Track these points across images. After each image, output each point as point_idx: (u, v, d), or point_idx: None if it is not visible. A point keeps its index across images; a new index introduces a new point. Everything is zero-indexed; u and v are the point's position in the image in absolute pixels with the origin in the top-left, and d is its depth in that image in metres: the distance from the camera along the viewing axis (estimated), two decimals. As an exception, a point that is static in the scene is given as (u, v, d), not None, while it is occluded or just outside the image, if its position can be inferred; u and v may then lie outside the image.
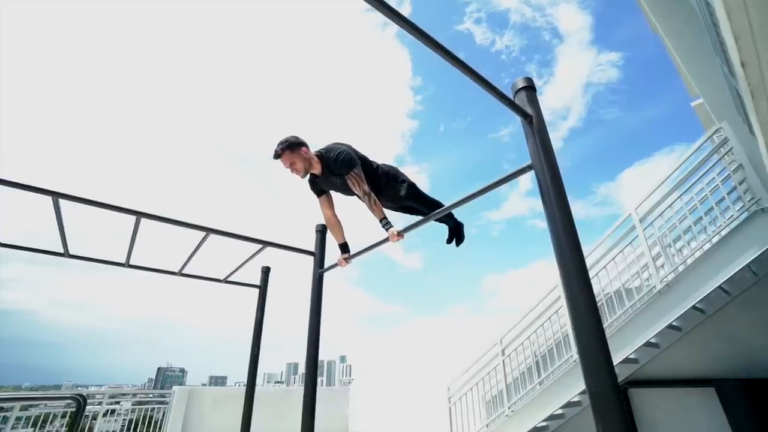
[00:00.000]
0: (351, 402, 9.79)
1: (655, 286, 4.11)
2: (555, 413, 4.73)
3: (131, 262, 3.04)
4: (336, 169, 2.31)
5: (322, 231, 2.91)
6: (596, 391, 1.09)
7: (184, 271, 3.24)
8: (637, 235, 4.39)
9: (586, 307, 1.17)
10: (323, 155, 2.36)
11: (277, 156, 2.25)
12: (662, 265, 4.67)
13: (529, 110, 1.51)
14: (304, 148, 2.30)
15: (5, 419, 5.88)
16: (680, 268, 4.04)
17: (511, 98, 1.56)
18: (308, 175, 2.46)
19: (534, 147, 1.47)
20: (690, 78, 4.82)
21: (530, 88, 1.57)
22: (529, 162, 1.48)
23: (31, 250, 2.82)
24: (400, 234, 2.14)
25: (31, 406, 6.15)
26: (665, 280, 4.07)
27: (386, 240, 2.19)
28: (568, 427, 5.23)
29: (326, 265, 2.85)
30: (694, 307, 4.01)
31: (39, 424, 6.36)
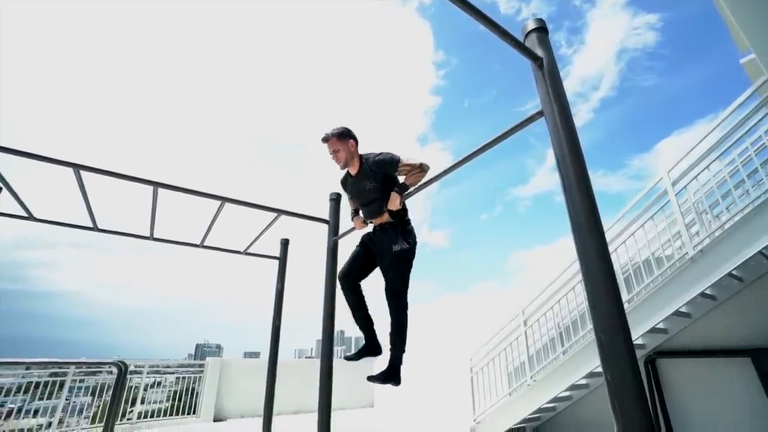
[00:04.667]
0: (375, 373, 10.09)
1: (687, 253, 3.89)
2: (578, 383, 4.68)
3: (155, 236, 3.17)
4: (374, 167, 2.32)
5: (335, 199, 2.92)
6: (614, 373, 1.03)
7: (205, 243, 3.35)
8: (669, 200, 4.14)
9: (598, 257, 1.10)
10: (364, 155, 2.42)
11: (325, 139, 2.34)
12: (696, 233, 4.41)
13: (539, 53, 1.40)
14: (352, 141, 2.37)
15: (62, 384, 6.49)
16: (717, 233, 3.79)
17: (521, 41, 1.45)
18: (344, 172, 2.51)
19: (545, 92, 1.37)
20: (739, 27, 4.36)
21: (541, 30, 1.45)
22: (539, 108, 1.39)
23: (62, 224, 2.98)
24: (402, 202, 2.24)
25: (80, 371, 6.71)
26: (699, 246, 3.84)
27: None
28: (592, 398, 5.19)
29: (340, 234, 2.87)
30: (730, 275, 3.78)
31: (97, 393, 7.01)
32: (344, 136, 2.32)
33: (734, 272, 3.85)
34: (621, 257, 4.60)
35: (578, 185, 1.25)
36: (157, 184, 2.45)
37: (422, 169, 2.27)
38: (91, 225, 2.96)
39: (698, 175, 4.05)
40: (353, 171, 2.44)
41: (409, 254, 2.29)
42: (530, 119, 1.43)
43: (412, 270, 2.34)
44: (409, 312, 2.28)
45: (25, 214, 2.76)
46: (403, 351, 2.29)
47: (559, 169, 1.30)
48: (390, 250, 2.25)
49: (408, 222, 2.42)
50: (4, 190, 2.51)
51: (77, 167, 2.26)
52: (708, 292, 4.04)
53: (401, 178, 2.37)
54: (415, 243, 2.36)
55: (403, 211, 2.40)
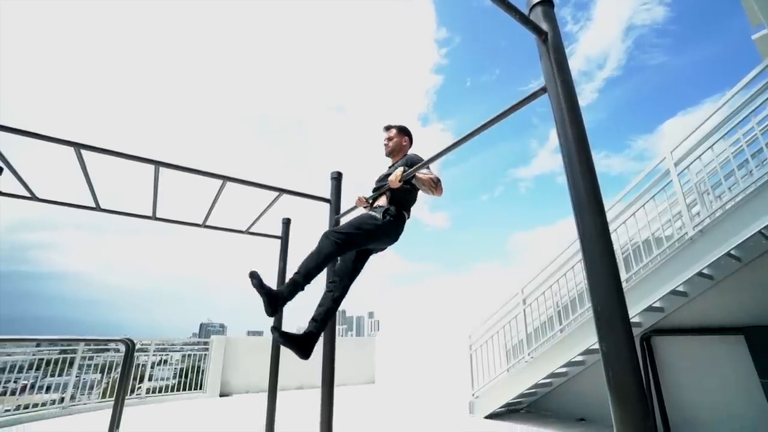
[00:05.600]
0: (377, 351, 10.34)
1: (687, 233, 3.92)
2: (574, 360, 4.80)
3: (158, 215, 3.19)
4: (405, 161, 2.46)
5: (336, 178, 2.92)
6: (609, 344, 1.05)
7: (207, 223, 3.38)
8: (671, 180, 4.13)
9: (597, 229, 1.11)
10: (408, 155, 2.57)
11: (388, 127, 2.62)
12: (697, 213, 4.42)
13: (544, 27, 1.38)
14: (407, 138, 2.63)
15: (72, 361, 6.69)
16: (717, 213, 3.80)
17: (526, 14, 1.42)
18: (387, 167, 2.62)
19: (548, 67, 1.35)
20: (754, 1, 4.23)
21: (547, 2, 1.42)
22: (542, 84, 1.37)
23: (65, 204, 3.00)
24: (400, 181, 2.24)
25: (89, 349, 6.89)
26: (699, 226, 3.86)
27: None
28: (588, 374, 5.32)
29: (342, 212, 2.88)
30: (729, 255, 3.81)
31: (105, 370, 7.26)
32: (403, 131, 2.59)
33: (733, 252, 3.88)
34: (621, 237, 4.63)
35: (580, 162, 1.25)
36: (158, 163, 2.45)
37: (437, 181, 2.27)
38: (93, 205, 2.98)
39: (702, 154, 4.03)
40: (393, 161, 2.63)
41: (374, 223, 2.16)
42: (533, 96, 1.42)
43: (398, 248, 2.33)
44: (320, 254, 2.00)
45: (27, 194, 2.78)
46: (303, 278, 1.97)
47: (561, 145, 1.30)
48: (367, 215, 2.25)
49: (402, 215, 2.32)
50: (6, 170, 2.51)
51: (78, 146, 2.25)
52: (705, 271, 4.08)
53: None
54: (389, 224, 2.21)
55: (403, 201, 2.37)
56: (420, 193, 2.47)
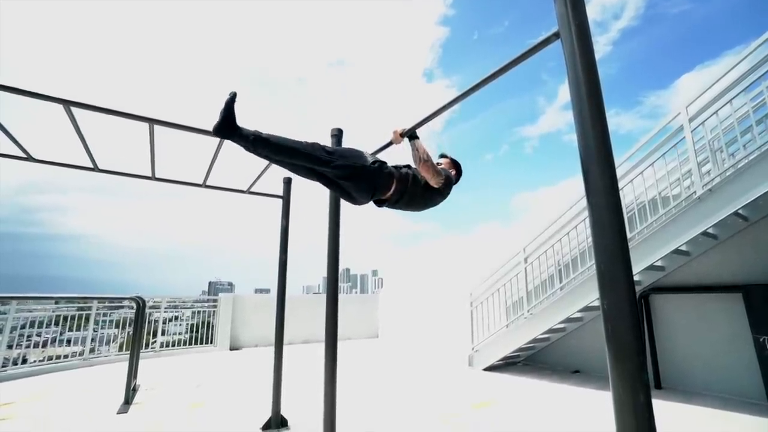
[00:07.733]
0: (380, 307, 10.68)
1: (695, 192, 3.84)
2: (573, 316, 4.92)
3: (157, 176, 3.16)
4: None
5: (337, 135, 2.83)
6: (610, 301, 1.03)
7: (208, 183, 3.34)
8: (684, 137, 3.98)
9: (605, 183, 1.07)
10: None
11: (443, 155, 2.69)
12: (708, 172, 4.31)
13: (561, -38, 1.24)
14: (455, 171, 2.64)
15: (88, 317, 6.99)
16: (729, 172, 3.70)
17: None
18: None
19: (563, 9, 1.23)
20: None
21: (565, -66, 1.27)
22: (555, 29, 1.26)
23: (63, 165, 2.95)
24: (403, 136, 2.20)
25: (103, 306, 7.18)
26: (709, 185, 3.77)
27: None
28: (585, 330, 5.49)
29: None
30: (736, 213, 3.76)
31: (121, 326, 7.60)
32: (455, 163, 2.69)
33: (740, 211, 3.82)
34: (627, 197, 4.57)
35: (591, 112, 1.18)
36: (152, 121, 2.37)
37: (428, 159, 2.13)
38: (91, 166, 2.94)
39: (719, 110, 3.85)
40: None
41: (364, 163, 2.01)
42: (545, 42, 1.31)
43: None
44: (300, 147, 1.87)
45: (23, 155, 2.73)
46: (257, 135, 1.83)
47: (573, 95, 1.22)
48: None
49: (391, 177, 2.13)
50: (-1, 130, 2.45)
51: (67, 103, 2.17)
52: (710, 231, 4.05)
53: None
54: (372, 171, 2.03)
55: (406, 180, 2.18)
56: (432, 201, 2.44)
